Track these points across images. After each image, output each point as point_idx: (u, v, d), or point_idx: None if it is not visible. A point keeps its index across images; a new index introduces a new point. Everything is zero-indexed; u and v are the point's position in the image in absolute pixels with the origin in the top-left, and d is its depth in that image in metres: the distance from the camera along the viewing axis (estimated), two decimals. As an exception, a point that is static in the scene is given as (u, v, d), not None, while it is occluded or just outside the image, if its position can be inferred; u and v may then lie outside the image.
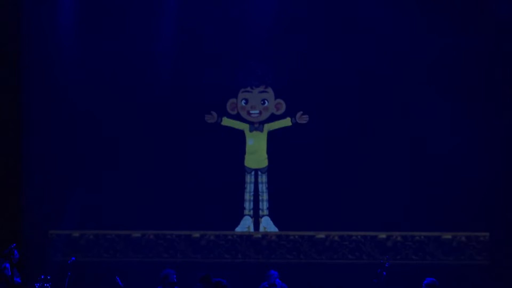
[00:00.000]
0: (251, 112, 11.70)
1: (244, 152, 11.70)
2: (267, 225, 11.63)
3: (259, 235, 11.55)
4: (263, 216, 11.63)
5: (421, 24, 11.35)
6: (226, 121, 11.60)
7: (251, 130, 11.69)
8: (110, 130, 11.52)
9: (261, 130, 11.69)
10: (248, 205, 11.64)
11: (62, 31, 11.51)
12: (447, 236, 11.45)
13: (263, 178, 11.62)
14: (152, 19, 11.54)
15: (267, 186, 11.62)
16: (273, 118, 11.71)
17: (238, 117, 11.71)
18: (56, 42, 11.54)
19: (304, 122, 11.56)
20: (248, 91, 11.71)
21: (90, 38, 11.53)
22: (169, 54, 11.51)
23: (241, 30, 11.51)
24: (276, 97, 11.70)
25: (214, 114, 11.60)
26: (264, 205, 11.63)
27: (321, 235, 11.46)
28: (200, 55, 11.57)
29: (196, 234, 11.48)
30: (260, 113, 11.70)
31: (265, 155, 11.66)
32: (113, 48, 11.47)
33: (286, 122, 11.62)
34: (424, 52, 11.42)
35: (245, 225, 11.63)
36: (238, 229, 11.61)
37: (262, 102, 11.71)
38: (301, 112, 11.55)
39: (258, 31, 11.46)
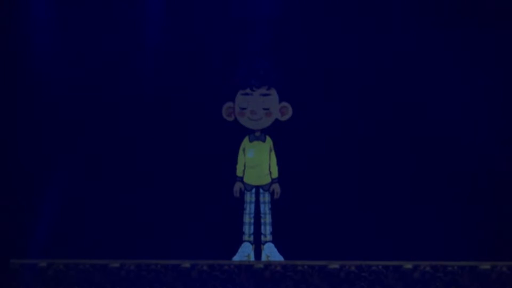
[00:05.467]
0: (251, 117, 10.72)
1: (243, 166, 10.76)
2: (271, 253, 10.70)
3: (261, 265, 10.54)
4: (265, 242, 10.72)
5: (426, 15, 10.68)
6: (241, 171, 10.68)
7: (251, 140, 10.71)
8: (87, 139, 10.73)
9: (263, 140, 10.70)
10: (247, 229, 10.70)
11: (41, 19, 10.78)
12: (485, 266, 10.41)
13: (265, 197, 10.69)
14: (138, 13, 10.78)
15: (270, 206, 10.69)
16: (277, 124, 10.73)
17: (236, 124, 10.75)
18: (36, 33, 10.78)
19: (276, 196, 10.70)
20: (247, 94, 10.74)
21: (73, 36, 10.79)
22: (155, 51, 10.70)
23: (239, 22, 10.68)
24: (281, 100, 10.74)
25: (236, 187, 10.65)
26: (266, 230, 10.71)
27: (334, 265, 10.47)
28: (190, 51, 10.73)
29: (186, 264, 10.50)
30: (262, 119, 10.73)
31: (268, 170, 10.69)
32: (97, 46, 10.75)
33: (274, 172, 10.65)
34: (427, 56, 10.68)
35: (245, 253, 10.69)
36: (236, 257, 10.66)
37: (264, 106, 10.74)
38: (278, 194, 10.64)
39: (259, 22, 10.61)
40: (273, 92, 10.74)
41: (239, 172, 10.63)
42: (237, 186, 10.61)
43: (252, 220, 10.71)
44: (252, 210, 10.70)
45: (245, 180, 10.69)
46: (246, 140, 10.69)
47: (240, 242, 10.72)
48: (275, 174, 10.59)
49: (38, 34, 10.70)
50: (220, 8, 10.69)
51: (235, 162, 10.72)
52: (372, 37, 10.66)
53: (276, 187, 10.58)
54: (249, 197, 10.68)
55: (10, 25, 10.72)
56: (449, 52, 10.64)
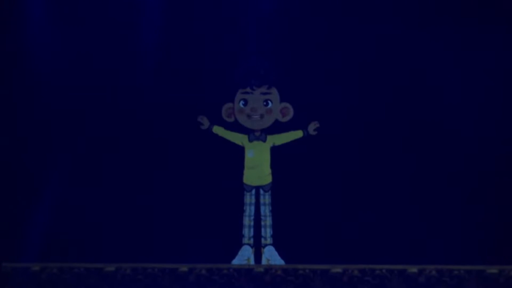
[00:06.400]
0: (251, 115, 10.54)
1: (242, 166, 10.53)
2: (271, 256, 10.50)
3: (261, 269, 10.40)
4: (266, 245, 10.52)
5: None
6: (218, 130, 10.51)
7: (251, 140, 10.51)
8: (81, 140, 10.54)
9: (264, 140, 10.50)
10: (247, 232, 10.49)
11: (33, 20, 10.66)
12: (493, 270, 10.24)
13: (266, 199, 10.49)
14: (138, 13, 10.66)
15: (271, 208, 10.48)
16: (277, 125, 10.56)
17: (236, 124, 10.59)
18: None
19: (315, 133, 10.49)
20: (247, 93, 10.57)
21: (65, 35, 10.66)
22: (155, 51, 10.54)
23: (239, 22, 10.52)
24: (281, 100, 10.57)
25: (205, 119, 10.53)
26: (267, 232, 10.50)
27: (337, 269, 10.31)
28: (190, 51, 10.57)
29: (184, 268, 10.36)
30: (262, 117, 10.54)
31: (269, 170, 10.47)
32: (97, 46, 10.64)
33: (297, 134, 10.50)
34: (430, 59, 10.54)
35: (244, 256, 10.49)
36: (236, 261, 10.46)
37: (265, 103, 10.55)
38: (316, 122, 10.46)
39: (259, 22, 10.46)
40: (274, 91, 10.58)
41: (225, 133, 10.50)
42: (203, 123, 10.47)
43: (252, 223, 10.51)
44: (252, 212, 10.51)
45: (244, 181, 10.49)
46: (245, 140, 10.52)
47: (239, 245, 10.53)
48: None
49: (38, 34, 10.58)
50: (220, 8, 10.56)
51: (234, 163, 10.54)
52: (372, 37, 10.54)
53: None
54: (249, 198, 10.48)
55: (10, 25, 10.62)
56: (449, 52, 10.52)
